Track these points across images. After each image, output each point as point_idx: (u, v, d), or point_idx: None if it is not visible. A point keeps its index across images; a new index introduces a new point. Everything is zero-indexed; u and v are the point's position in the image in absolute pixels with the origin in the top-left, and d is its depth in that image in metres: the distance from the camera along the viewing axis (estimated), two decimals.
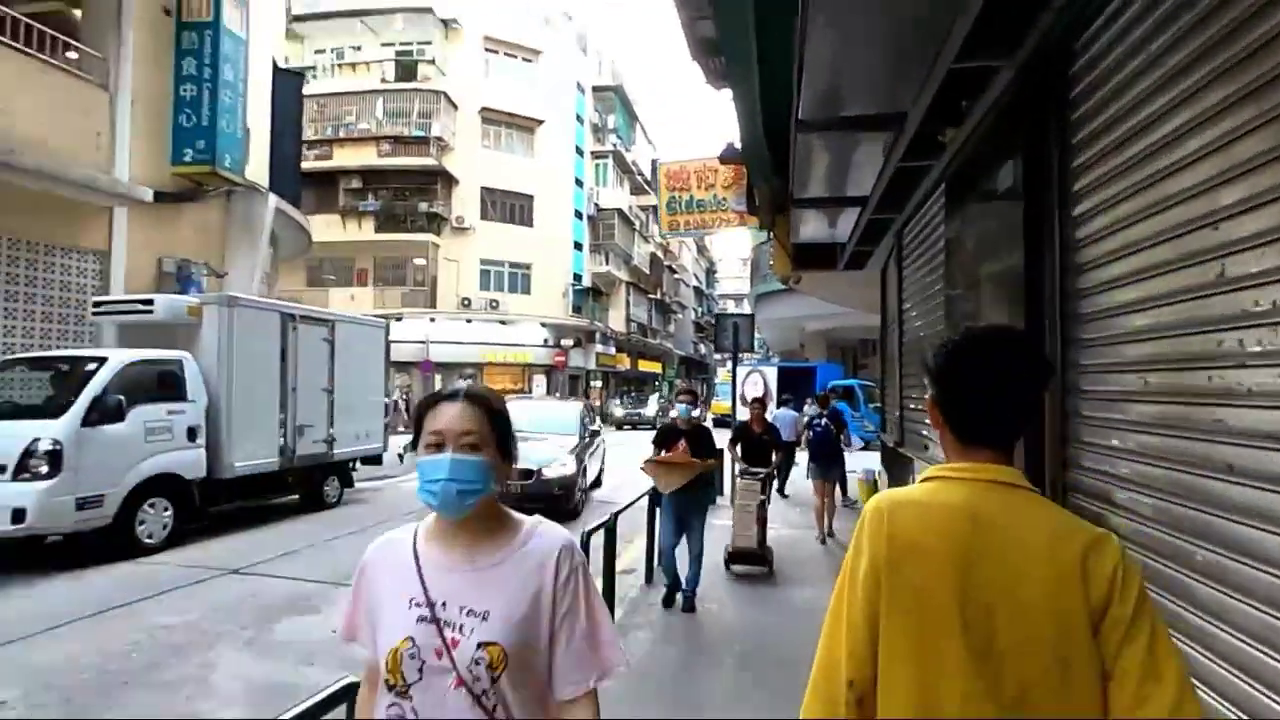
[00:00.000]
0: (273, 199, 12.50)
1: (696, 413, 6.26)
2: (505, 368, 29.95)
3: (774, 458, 7.02)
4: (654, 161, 44.67)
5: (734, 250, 64.73)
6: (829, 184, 5.28)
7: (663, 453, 5.54)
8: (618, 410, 31.58)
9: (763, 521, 6.46)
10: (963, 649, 1.01)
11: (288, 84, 14.72)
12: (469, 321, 28.44)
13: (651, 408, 30.77)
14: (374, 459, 10.72)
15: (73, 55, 9.76)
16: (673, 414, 6.23)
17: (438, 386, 29.50)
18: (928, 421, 1.45)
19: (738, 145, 6.47)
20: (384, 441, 10.85)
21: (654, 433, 6.30)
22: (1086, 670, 0.98)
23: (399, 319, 27.88)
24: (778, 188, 6.74)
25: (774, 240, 7.51)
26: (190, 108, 10.82)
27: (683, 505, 5.55)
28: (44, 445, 5.99)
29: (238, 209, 12.24)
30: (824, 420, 8.80)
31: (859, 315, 25.67)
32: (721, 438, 7.13)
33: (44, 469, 5.96)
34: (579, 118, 32.94)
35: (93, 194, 9.39)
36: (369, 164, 27.72)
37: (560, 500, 8.79)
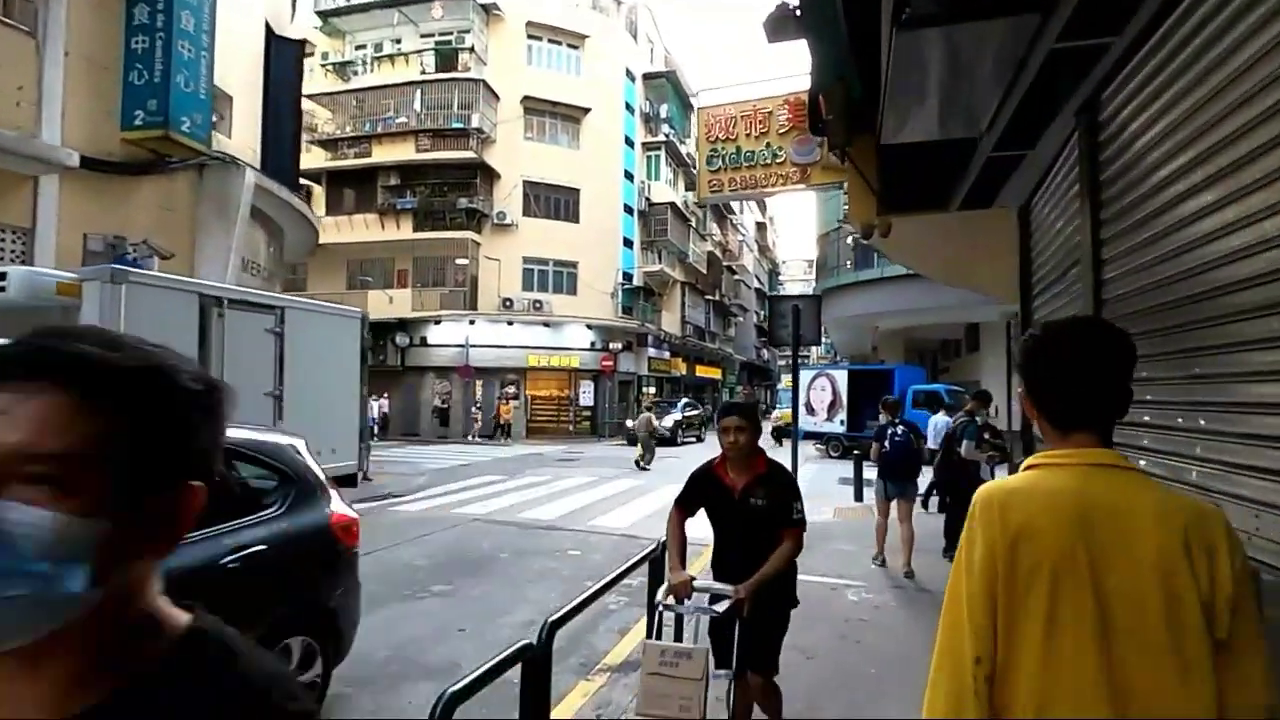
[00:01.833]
0: (251, 174, 10.81)
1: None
2: (550, 373, 28.07)
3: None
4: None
5: (799, 250, 61.63)
6: (950, 48, 2.86)
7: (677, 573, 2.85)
8: (630, 420, 24.41)
9: None
10: (1081, 627, 1.06)
11: (285, 52, 13.13)
12: (510, 324, 26.69)
13: (675, 415, 25.78)
14: (346, 480, 8.75)
15: None
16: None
17: (478, 393, 27.96)
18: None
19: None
20: (361, 458, 8.89)
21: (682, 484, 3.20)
22: (1197, 643, 1.03)
23: (438, 322, 26.48)
24: (855, 82, 4.33)
25: (848, 168, 5.07)
26: (141, 63, 9.19)
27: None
28: None
29: (211, 185, 10.60)
30: (901, 429, 7.20)
31: (945, 310, 22.49)
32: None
33: None
34: (629, 106, 30.91)
35: (6, 159, 7.80)
36: (407, 159, 26.40)
37: None
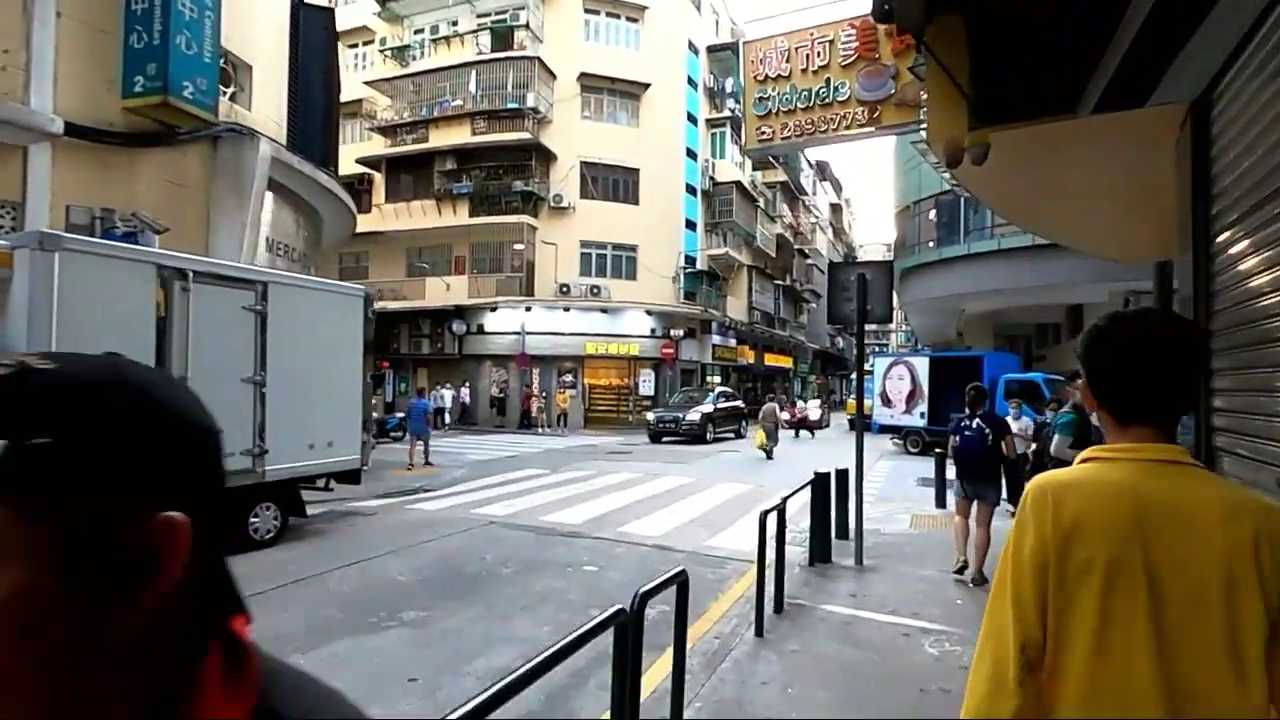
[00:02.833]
0: (267, 145, 10.11)
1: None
2: (609, 361, 27.06)
3: None
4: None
5: (877, 233, 58.27)
6: None
7: None
8: (651, 414, 22.12)
9: None
10: (1135, 625, 1.04)
11: (313, 20, 12.45)
12: (566, 310, 25.80)
13: (704, 407, 21.38)
14: (349, 476, 7.89)
15: None
16: None
17: (534, 381, 27.27)
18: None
19: None
20: (363, 452, 8.00)
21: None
22: (1256, 645, 1.01)
23: (494, 308, 25.88)
24: None
25: (927, 63, 3.61)
26: (141, 24, 8.55)
27: None
28: None
29: (226, 159, 9.97)
30: (976, 421, 6.44)
31: (1042, 290, 19.96)
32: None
33: None
34: (691, 81, 29.36)
35: None
36: (463, 143, 25.83)
37: None
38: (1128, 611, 1.05)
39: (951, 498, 10.04)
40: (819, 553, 6.77)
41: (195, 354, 6.04)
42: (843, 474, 8.23)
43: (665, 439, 20.49)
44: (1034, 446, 9.25)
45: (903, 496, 11.73)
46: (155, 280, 5.80)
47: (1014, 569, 1.14)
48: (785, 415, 28.12)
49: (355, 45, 29.70)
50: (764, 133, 7.43)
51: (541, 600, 5.50)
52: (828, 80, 7.08)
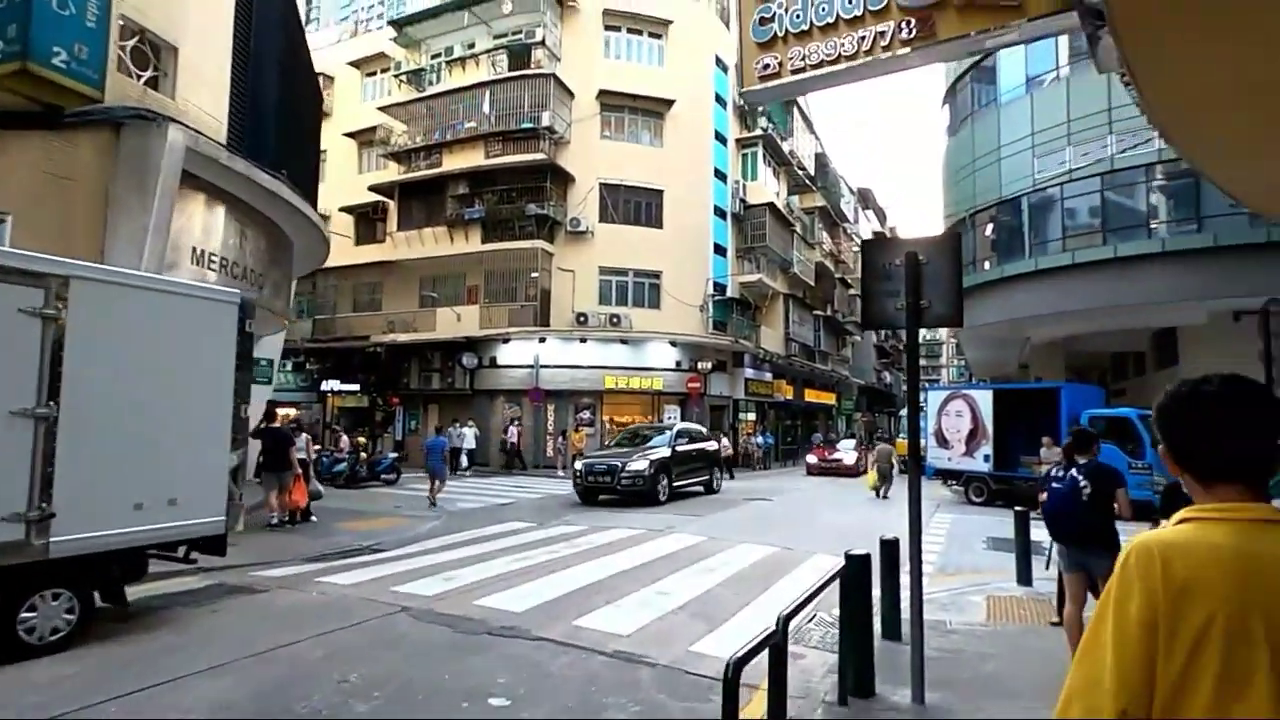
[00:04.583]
0: (179, 133, 8.44)
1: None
2: (630, 396, 24.90)
3: None
4: (817, 155, 38.04)
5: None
6: None
7: None
8: (579, 462, 15.73)
9: None
10: (1258, 689, 1.03)
11: (270, 4, 10.95)
12: (584, 341, 23.83)
13: (655, 452, 14.95)
14: (209, 544, 5.84)
15: None
16: None
17: (549, 418, 25.23)
18: None
19: None
20: (231, 512, 5.96)
21: None
22: None
23: (506, 340, 24.08)
24: None
25: None
26: None
27: None
28: None
29: (131, 150, 8.33)
30: (1076, 475, 5.09)
31: (1123, 312, 16.99)
32: None
33: None
34: (719, 99, 27.61)
35: None
36: (476, 165, 24.45)
37: None
38: (1249, 674, 1.04)
39: (1044, 570, 7.62)
40: (855, 680, 4.40)
41: None
42: (891, 546, 5.88)
43: (601, 496, 14.64)
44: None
45: (970, 566, 9.14)
46: None
47: (1117, 626, 1.12)
48: (813, 458, 25.36)
49: (373, 74, 29.01)
50: (767, 66, 5.30)
51: None
52: None
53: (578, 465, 15.38)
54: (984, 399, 16.62)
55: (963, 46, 4.82)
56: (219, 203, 10.09)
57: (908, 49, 4.87)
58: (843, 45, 5.02)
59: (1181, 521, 1.19)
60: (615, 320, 23.97)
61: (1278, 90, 3.26)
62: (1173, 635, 1.07)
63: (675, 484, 15.10)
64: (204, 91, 9.80)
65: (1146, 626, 1.09)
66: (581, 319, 23.69)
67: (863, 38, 4.98)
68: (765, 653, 3.04)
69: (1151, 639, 1.08)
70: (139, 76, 8.89)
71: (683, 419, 24.49)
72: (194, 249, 9.50)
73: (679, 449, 15.59)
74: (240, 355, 5.99)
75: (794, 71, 5.20)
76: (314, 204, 13.96)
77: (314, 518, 10.73)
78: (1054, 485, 5.49)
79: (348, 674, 4.53)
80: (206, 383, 5.76)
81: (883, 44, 4.90)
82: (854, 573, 4.54)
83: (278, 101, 11.41)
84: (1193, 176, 15.68)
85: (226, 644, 5.08)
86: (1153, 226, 16.22)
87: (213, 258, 9.90)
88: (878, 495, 17.05)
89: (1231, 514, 1.14)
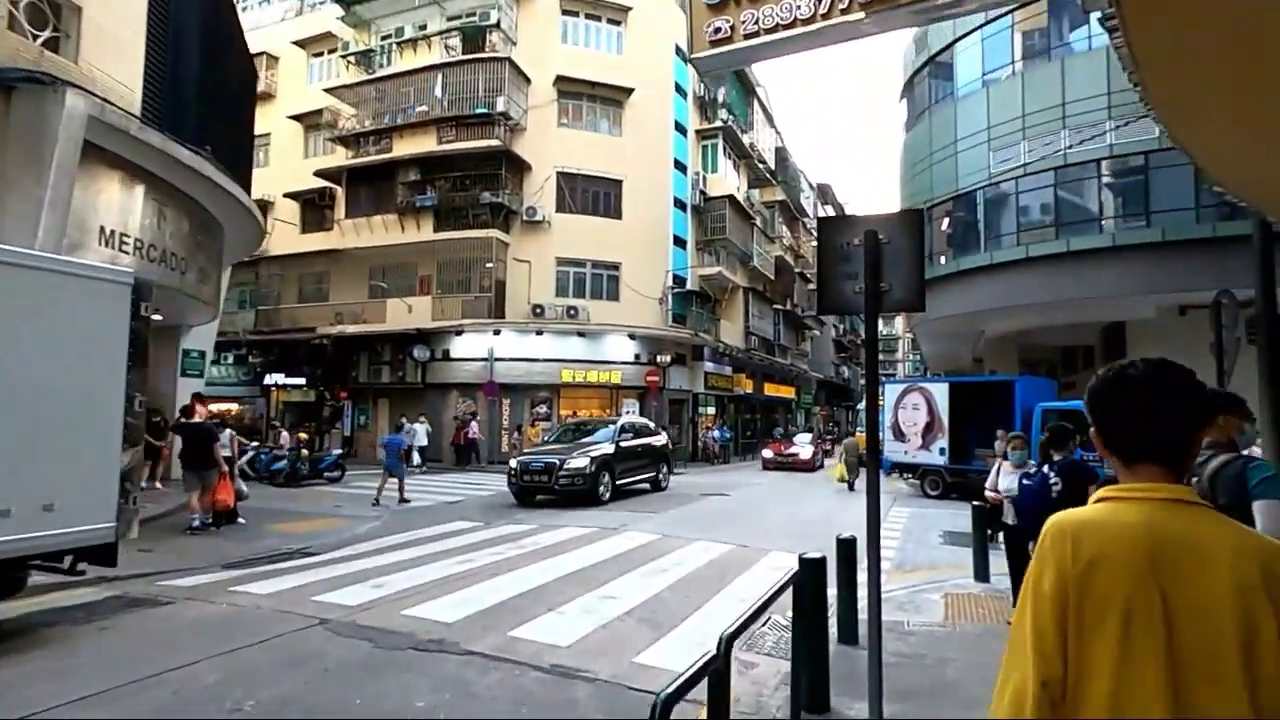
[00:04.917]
0: (79, 99, 7.66)
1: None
2: (588, 390, 24.41)
3: None
4: (778, 149, 37.95)
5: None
6: None
7: None
8: (514, 459, 14.67)
9: None
10: (1152, 660, 1.06)
11: None
12: (540, 333, 23.25)
13: (597, 448, 14.00)
14: (98, 553, 5.21)
15: None
16: None
17: (504, 413, 24.59)
18: None
19: None
20: (121, 515, 5.33)
21: None
22: (1272, 679, 1.03)
23: (459, 332, 23.34)
24: None
25: None
26: None
27: None
28: None
29: (23, 118, 7.53)
30: (1048, 471, 5.11)
31: (1076, 305, 17.16)
32: None
33: None
34: (679, 88, 27.21)
35: None
36: (428, 151, 23.59)
37: None
38: (1146, 647, 1.07)
39: (1002, 564, 7.46)
40: (809, 693, 4.05)
41: None
42: (848, 546, 5.59)
43: (539, 497, 13.55)
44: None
45: (928, 562, 8.96)
46: None
47: (1034, 604, 1.16)
48: (769, 453, 25.18)
49: (320, 54, 27.80)
50: (718, 30, 4.90)
51: None
52: None
53: (512, 463, 14.16)
54: (940, 392, 16.62)
55: (921, 11, 4.48)
56: (134, 180, 9.30)
57: (863, 14, 4.52)
58: (798, 8, 4.65)
59: (1100, 500, 1.23)
60: (573, 312, 23.45)
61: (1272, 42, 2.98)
62: (1080, 609, 1.11)
63: (619, 482, 14.13)
64: (113, 58, 8.99)
65: (1057, 602, 1.13)
66: (538, 311, 23.11)
67: (819, 0, 4.61)
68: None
69: (1062, 614, 1.12)
70: (35, 37, 8.07)
71: (641, 413, 24.07)
72: (103, 229, 8.71)
73: (623, 444, 14.68)
74: (134, 343, 5.35)
75: (747, 36, 4.81)
76: (247, 186, 13.12)
77: (241, 519, 10.02)
78: (1024, 482, 5.73)
79: (243, 701, 4.00)
80: (92, 373, 5.11)
81: (841, 6, 4.54)
82: (808, 577, 4.19)
83: (201, 73, 10.59)
84: (1143, 173, 15.89)
85: (110, 667, 4.49)
86: (1103, 221, 16.40)
87: (125, 239, 9.11)
88: (850, 488, 17.17)
89: (1146, 494, 1.18)
